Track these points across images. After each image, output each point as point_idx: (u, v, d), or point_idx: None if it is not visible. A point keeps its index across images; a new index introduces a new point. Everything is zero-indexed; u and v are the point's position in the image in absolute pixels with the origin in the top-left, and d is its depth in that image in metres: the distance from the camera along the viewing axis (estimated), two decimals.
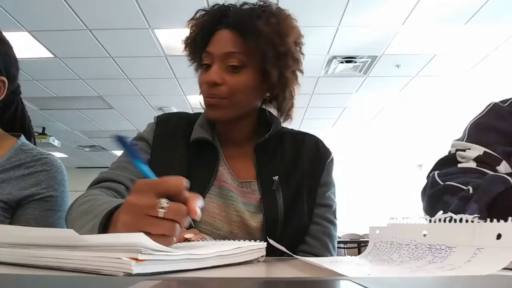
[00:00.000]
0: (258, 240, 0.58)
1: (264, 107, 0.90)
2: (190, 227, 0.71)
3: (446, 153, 0.85)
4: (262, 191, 0.81)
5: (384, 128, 6.57)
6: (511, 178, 0.62)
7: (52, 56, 3.89)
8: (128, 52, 3.86)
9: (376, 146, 7.82)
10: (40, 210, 0.90)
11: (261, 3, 0.82)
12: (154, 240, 0.37)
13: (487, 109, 0.87)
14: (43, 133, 6.00)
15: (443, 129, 6.31)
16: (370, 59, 4.06)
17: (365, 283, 0.29)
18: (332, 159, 0.90)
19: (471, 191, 0.66)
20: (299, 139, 0.90)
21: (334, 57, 4.03)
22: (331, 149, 0.91)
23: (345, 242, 5.39)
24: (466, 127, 0.86)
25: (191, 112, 0.96)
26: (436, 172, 0.79)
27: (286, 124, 0.92)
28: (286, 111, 0.88)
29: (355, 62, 4.11)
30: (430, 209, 0.76)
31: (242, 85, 0.78)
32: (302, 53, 0.85)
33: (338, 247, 0.90)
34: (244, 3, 0.83)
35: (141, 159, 0.52)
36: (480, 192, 0.63)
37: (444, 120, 6.03)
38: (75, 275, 0.36)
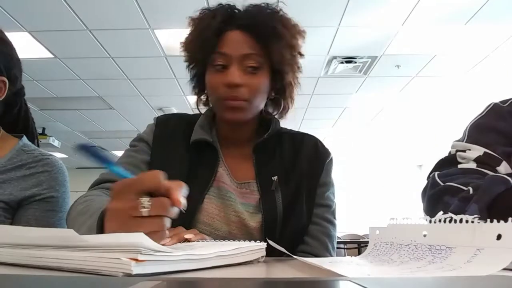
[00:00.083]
0: (257, 241, 0.58)
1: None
2: (190, 228, 0.71)
3: (446, 154, 0.85)
4: (261, 191, 0.81)
5: (384, 128, 6.57)
6: (511, 178, 0.62)
7: (52, 56, 3.89)
8: (128, 52, 3.86)
9: (376, 146, 7.82)
10: (41, 211, 0.90)
11: (266, 4, 0.82)
12: None
13: (487, 109, 0.87)
14: (43, 134, 6.00)
15: (443, 129, 6.31)
16: (370, 59, 4.06)
17: (365, 283, 0.29)
18: (331, 159, 0.90)
19: (471, 191, 0.66)
20: (298, 140, 0.90)
21: (334, 57, 4.03)
22: (331, 149, 0.92)
23: (345, 243, 5.38)
24: (466, 127, 0.86)
25: (191, 112, 0.96)
26: (436, 173, 0.79)
27: (285, 124, 0.92)
28: (285, 111, 0.90)
29: (355, 62, 4.11)
30: (430, 210, 0.76)
31: (260, 87, 0.80)
32: (303, 55, 0.87)
33: (338, 248, 0.90)
34: (251, 5, 0.83)
35: (111, 162, 0.50)
36: (480, 193, 0.63)
37: (444, 120, 6.03)
38: (75, 276, 0.36)
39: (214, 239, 0.70)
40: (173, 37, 3.56)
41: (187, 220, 0.74)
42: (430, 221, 0.45)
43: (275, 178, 0.81)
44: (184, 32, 0.86)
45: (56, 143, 6.33)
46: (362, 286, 0.28)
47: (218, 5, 0.83)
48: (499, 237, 0.37)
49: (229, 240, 0.65)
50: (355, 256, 0.57)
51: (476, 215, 0.41)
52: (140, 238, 0.36)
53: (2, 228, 0.53)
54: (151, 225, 0.46)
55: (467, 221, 0.42)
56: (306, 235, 0.82)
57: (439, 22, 3.37)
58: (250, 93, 0.78)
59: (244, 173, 0.84)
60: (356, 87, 4.83)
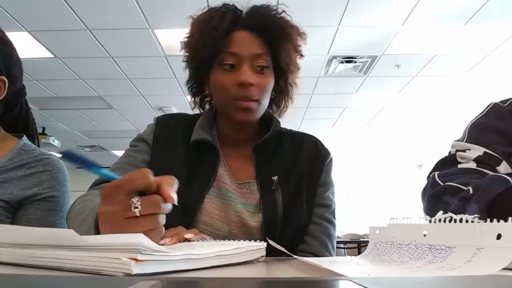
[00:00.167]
0: (257, 240, 0.58)
1: None
2: (190, 227, 0.71)
3: (446, 154, 0.85)
4: (261, 191, 0.81)
5: (384, 128, 6.57)
6: (511, 178, 0.62)
7: (52, 56, 3.89)
8: (128, 52, 3.86)
9: (376, 146, 7.82)
10: (42, 210, 0.90)
11: (270, 5, 0.83)
12: None
13: (487, 109, 0.87)
14: (43, 133, 6.00)
15: (443, 129, 6.31)
16: (370, 59, 4.06)
17: (365, 283, 0.29)
18: (331, 159, 0.90)
19: (471, 191, 0.66)
20: (297, 140, 0.91)
21: (334, 57, 4.03)
22: (330, 149, 0.92)
23: (345, 242, 5.39)
24: (466, 127, 0.86)
25: (191, 112, 0.96)
26: (436, 173, 0.79)
27: (285, 124, 0.93)
28: (284, 111, 0.92)
29: (355, 62, 4.11)
30: (430, 210, 0.76)
31: (269, 86, 0.81)
32: (303, 56, 0.88)
33: (338, 247, 0.90)
34: (255, 6, 0.83)
35: (97, 164, 0.49)
36: (480, 193, 0.63)
37: (444, 120, 6.03)
38: (75, 275, 0.37)
39: (214, 239, 0.70)
40: (173, 37, 3.56)
41: (188, 220, 0.75)
42: (430, 221, 0.45)
43: (275, 178, 0.82)
44: (184, 32, 0.85)
45: (56, 143, 6.32)
46: (362, 286, 0.28)
47: (223, 5, 0.83)
48: (499, 236, 0.37)
49: (229, 239, 0.65)
50: (355, 255, 0.57)
51: (476, 215, 0.41)
52: (139, 238, 0.36)
53: (3, 228, 0.53)
54: (145, 224, 0.46)
55: (467, 221, 0.42)
56: (306, 235, 0.82)
57: (439, 22, 3.37)
58: (260, 93, 0.79)
59: (244, 173, 0.84)
60: (356, 87, 4.83)
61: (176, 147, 0.84)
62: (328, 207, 0.86)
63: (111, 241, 0.38)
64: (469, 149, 0.80)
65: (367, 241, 0.61)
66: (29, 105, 1.07)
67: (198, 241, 0.62)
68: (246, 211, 0.79)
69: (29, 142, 0.99)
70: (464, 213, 0.44)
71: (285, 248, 0.56)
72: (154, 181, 0.47)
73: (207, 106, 0.92)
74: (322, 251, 0.81)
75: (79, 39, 3.57)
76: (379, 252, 0.51)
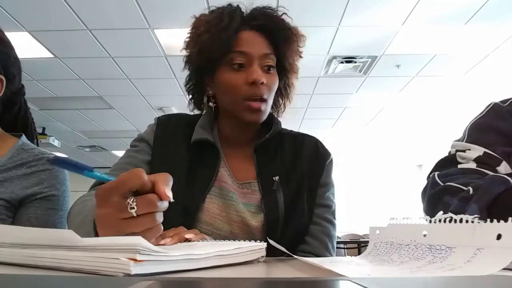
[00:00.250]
0: (258, 240, 0.58)
1: None
2: (191, 227, 0.71)
3: (446, 154, 0.85)
4: (262, 191, 0.81)
5: (384, 128, 6.57)
6: (511, 178, 0.62)
7: (52, 56, 3.89)
8: (128, 52, 3.86)
9: (376, 146, 7.82)
10: (42, 209, 0.90)
11: (272, 7, 0.85)
12: (143, 237, 0.37)
13: (487, 109, 0.87)
14: (43, 133, 6.00)
15: (443, 129, 6.31)
16: (370, 59, 4.06)
17: (365, 283, 0.29)
18: (332, 160, 0.90)
19: (471, 191, 0.66)
20: (298, 140, 0.91)
21: (334, 57, 4.03)
22: (330, 149, 0.92)
23: (345, 242, 5.39)
24: (466, 127, 0.86)
25: (191, 112, 0.96)
26: (436, 173, 0.79)
27: (285, 124, 0.93)
28: (282, 111, 0.93)
29: (355, 62, 4.10)
30: (430, 210, 0.76)
31: (275, 85, 0.83)
32: (302, 57, 0.90)
33: (338, 247, 0.90)
34: (258, 7, 0.85)
35: (88, 168, 0.49)
36: (480, 193, 0.63)
37: (444, 120, 6.03)
38: (75, 275, 0.37)
39: (216, 239, 0.70)
40: (173, 37, 3.56)
41: (189, 220, 0.75)
42: (430, 221, 0.45)
43: (277, 178, 0.82)
44: (184, 32, 0.85)
45: (56, 143, 6.33)
46: (362, 286, 0.28)
47: (228, 5, 0.84)
48: (499, 237, 0.37)
49: (230, 240, 0.65)
50: (355, 256, 0.57)
51: (476, 215, 0.41)
52: (138, 239, 0.36)
53: (2, 228, 0.53)
54: (143, 223, 0.46)
55: (467, 221, 0.42)
56: (307, 235, 0.82)
57: (439, 22, 3.37)
58: (269, 92, 0.80)
59: (245, 173, 0.84)
60: (356, 87, 4.83)
61: (177, 147, 0.84)
62: (329, 207, 0.86)
63: (110, 241, 0.38)
64: (469, 149, 0.80)
65: (367, 241, 0.61)
66: (29, 105, 1.07)
67: (199, 241, 0.62)
68: (247, 211, 0.79)
69: (28, 141, 0.99)
70: (464, 213, 0.44)
71: (286, 248, 0.56)
72: (148, 180, 0.47)
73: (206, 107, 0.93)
74: (323, 251, 0.81)
75: (79, 39, 3.57)
76: (379, 252, 0.51)
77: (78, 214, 0.64)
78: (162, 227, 0.49)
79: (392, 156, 8.55)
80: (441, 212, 0.46)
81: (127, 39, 3.61)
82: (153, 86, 4.71)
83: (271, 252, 0.58)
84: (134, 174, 0.47)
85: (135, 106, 5.41)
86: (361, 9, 3.18)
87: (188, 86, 0.90)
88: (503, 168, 0.75)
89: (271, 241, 0.58)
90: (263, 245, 0.55)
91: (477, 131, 0.83)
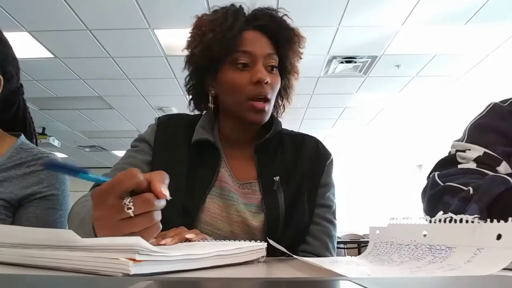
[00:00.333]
0: (258, 240, 0.58)
1: None
2: (192, 227, 0.71)
3: (446, 154, 0.85)
4: (263, 191, 0.81)
5: (384, 128, 6.57)
6: (511, 178, 0.62)
7: (52, 56, 3.89)
8: (128, 52, 3.85)
9: (376, 146, 7.82)
10: (42, 209, 0.90)
11: (274, 8, 0.85)
12: (142, 236, 0.37)
13: (487, 109, 0.86)
14: (43, 133, 6.00)
15: (443, 129, 6.31)
16: (370, 59, 4.05)
17: (365, 283, 0.29)
18: (332, 160, 0.90)
19: (471, 191, 0.66)
20: (299, 140, 0.91)
21: (334, 57, 4.03)
22: (331, 150, 0.92)
23: (345, 242, 5.38)
24: (466, 127, 0.86)
25: (191, 113, 0.96)
26: (436, 173, 0.79)
27: (285, 124, 0.93)
28: (282, 112, 0.94)
29: (355, 62, 4.10)
30: (431, 210, 0.76)
31: (278, 85, 0.84)
32: (302, 58, 0.91)
33: (338, 247, 0.90)
34: (260, 8, 0.85)
35: (82, 170, 0.49)
36: (480, 193, 0.63)
37: (444, 120, 6.03)
38: (74, 275, 0.36)
39: (216, 239, 0.70)
40: (173, 37, 3.56)
41: (189, 220, 0.75)
42: (430, 221, 0.45)
43: (277, 178, 0.82)
44: (184, 32, 0.85)
45: (56, 143, 6.33)
46: (362, 286, 0.28)
47: (231, 5, 0.84)
48: (499, 237, 0.37)
49: (231, 240, 0.65)
50: (355, 256, 0.57)
51: (476, 215, 0.41)
52: (137, 239, 0.36)
53: (2, 228, 0.53)
54: (141, 223, 0.46)
55: (467, 221, 0.42)
56: (307, 235, 0.82)
57: (439, 22, 3.37)
58: (272, 92, 0.81)
59: (245, 173, 0.84)
60: (356, 87, 4.83)
61: (178, 147, 0.84)
62: (329, 207, 0.86)
63: (109, 241, 0.38)
64: (469, 149, 0.80)
65: (367, 241, 0.61)
66: (28, 105, 1.06)
67: (199, 241, 0.62)
68: (248, 211, 0.79)
69: (27, 141, 0.99)
70: (464, 213, 0.44)
71: (286, 248, 0.56)
72: (144, 179, 0.47)
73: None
74: (323, 251, 0.81)
75: (79, 39, 3.57)
76: (379, 252, 0.51)
77: (78, 214, 0.64)
78: (160, 225, 0.49)
79: (392, 156, 8.55)
80: (441, 212, 0.46)
81: (127, 39, 3.61)
82: (153, 86, 4.71)
83: (271, 252, 0.58)
84: (129, 174, 0.47)
85: (135, 106, 5.41)
86: (361, 9, 3.18)
87: (188, 86, 0.89)
88: (503, 168, 0.75)
89: (271, 241, 0.58)
90: (263, 245, 0.55)
91: (477, 131, 0.83)
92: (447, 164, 0.82)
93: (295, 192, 0.82)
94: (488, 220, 0.39)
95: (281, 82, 0.86)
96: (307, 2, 3.06)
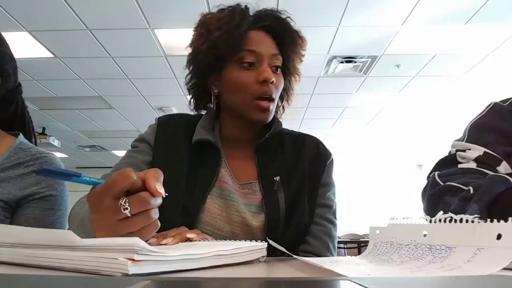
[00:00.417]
0: (259, 240, 0.58)
1: None
2: (192, 228, 0.71)
3: (446, 154, 0.85)
4: (263, 192, 0.81)
5: (384, 128, 6.57)
6: (511, 178, 0.62)
7: (52, 56, 3.89)
8: (128, 52, 3.85)
9: (376, 146, 7.82)
10: (40, 210, 0.90)
11: (279, 10, 0.86)
12: (141, 235, 0.37)
13: (487, 109, 0.86)
14: (43, 133, 6.00)
15: (443, 129, 6.31)
16: (370, 59, 4.06)
17: (365, 283, 0.29)
18: (332, 160, 0.90)
19: (471, 191, 0.65)
20: (299, 140, 0.91)
21: (334, 57, 4.03)
22: (331, 149, 0.92)
23: (345, 242, 5.39)
24: (466, 127, 0.86)
25: (191, 112, 0.96)
26: (436, 173, 0.79)
27: (285, 124, 0.93)
28: (281, 113, 0.94)
29: (355, 62, 4.11)
30: (431, 210, 0.76)
31: (281, 86, 0.84)
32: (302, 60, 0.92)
33: (338, 247, 0.90)
34: (264, 8, 0.86)
35: (76, 174, 0.48)
36: (481, 193, 0.63)
37: (444, 120, 6.03)
38: (73, 275, 0.36)
39: (216, 239, 0.70)
40: (173, 37, 3.55)
41: (190, 220, 0.74)
42: (430, 221, 0.45)
43: (277, 178, 0.82)
44: (184, 32, 0.85)
45: (56, 142, 6.32)
46: (362, 286, 0.28)
47: (237, 4, 0.84)
48: (499, 237, 0.37)
49: (231, 240, 0.65)
50: (355, 255, 0.57)
51: (476, 215, 0.41)
52: (136, 239, 0.36)
53: (3, 227, 0.53)
54: (138, 222, 0.46)
55: (467, 221, 0.41)
56: (308, 235, 0.82)
57: (439, 22, 3.37)
58: (277, 91, 0.81)
59: (246, 173, 0.84)
60: (356, 86, 4.83)
61: (178, 148, 0.84)
62: (329, 207, 0.86)
63: (108, 241, 0.38)
64: (469, 149, 0.79)
65: (367, 241, 0.60)
66: (27, 104, 1.06)
67: (200, 241, 0.62)
68: (248, 212, 0.79)
69: (26, 141, 0.99)
70: (464, 213, 0.43)
71: (286, 248, 0.56)
72: (138, 178, 0.47)
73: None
74: (324, 251, 0.81)
75: (79, 39, 3.57)
76: (379, 252, 0.51)
77: (77, 215, 0.64)
78: (159, 223, 0.49)
79: (392, 156, 8.55)
80: (441, 212, 0.46)
81: (127, 39, 3.61)
82: (153, 86, 4.71)
83: (271, 252, 0.58)
84: (123, 175, 0.46)
85: (135, 106, 5.41)
86: (361, 9, 3.18)
87: (190, 84, 0.89)
88: (503, 168, 0.75)
89: (270, 242, 0.58)
90: (264, 245, 0.55)
91: (477, 131, 0.83)
92: (447, 164, 0.81)
93: (295, 192, 0.82)
94: (488, 220, 0.39)
95: (292, 81, 0.88)
96: (307, 2, 3.06)
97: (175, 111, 5.18)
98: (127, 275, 0.34)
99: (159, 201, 0.48)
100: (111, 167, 0.83)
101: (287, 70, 0.87)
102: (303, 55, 0.89)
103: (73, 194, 0.87)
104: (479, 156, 0.77)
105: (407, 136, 7.09)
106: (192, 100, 0.92)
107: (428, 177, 0.81)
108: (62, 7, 3.08)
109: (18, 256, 0.42)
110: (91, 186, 0.50)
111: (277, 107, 0.93)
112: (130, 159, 0.83)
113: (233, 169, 0.85)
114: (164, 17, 3.25)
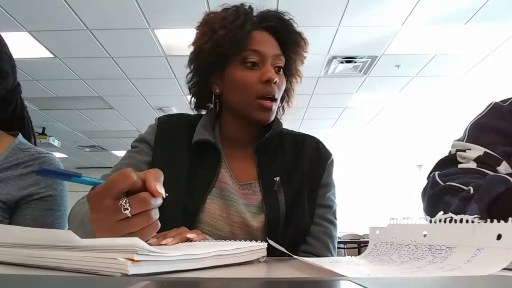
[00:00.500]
0: (259, 241, 0.58)
1: None
2: (192, 228, 0.71)
3: (446, 154, 0.85)
4: (263, 192, 0.81)
5: (384, 128, 6.57)
6: (511, 178, 0.62)
7: (52, 56, 3.89)
8: (128, 52, 3.85)
9: (376, 146, 7.82)
10: (39, 210, 0.90)
11: (282, 11, 0.87)
12: (141, 235, 0.37)
13: (487, 109, 0.86)
14: (43, 133, 6.00)
15: (443, 129, 6.31)
16: (370, 59, 4.06)
17: (365, 283, 0.29)
18: (332, 160, 0.90)
19: (471, 191, 0.65)
20: (299, 140, 0.91)
21: (334, 57, 4.03)
22: (331, 150, 0.92)
23: (345, 242, 5.39)
24: (467, 127, 0.86)
25: (191, 112, 0.96)
26: (436, 173, 0.79)
27: (285, 124, 0.93)
28: (282, 114, 0.94)
29: (355, 62, 4.11)
30: (431, 210, 0.76)
31: (284, 86, 0.84)
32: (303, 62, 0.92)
33: (338, 247, 0.90)
34: (267, 9, 0.86)
35: (76, 174, 0.48)
36: (481, 193, 0.63)
37: (444, 120, 6.03)
38: (73, 275, 0.36)
39: (216, 240, 0.70)
40: (173, 37, 3.55)
41: (190, 220, 0.74)
42: (430, 221, 0.45)
43: (278, 178, 0.82)
44: (184, 32, 0.85)
45: (56, 143, 6.32)
46: (362, 286, 0.28)
47: (241, 4, 0.84)
48: (499, 237, 0.37)
49: (231, 240, 0.65)
50: (355, 256, 0.56)
51: (476, 215, 0.41)
52: (135, 239, 0.36)
53: (2, 227, 0.53)
54: (138, 222, 0.46)
55: (467, 221, 0.41)
56: (308, 235, 0.82)
57: (439, 22, 3.37)
58: (279, 92, 0.82)
59: (246, 174, 0.84)
60: (356, 87, 4.83)
61: (178, 148, 0.84)
62: (329, 208, 0.86)
63: (108, 242, 0.38)
64: (469, 149, 0.79)
65: (367, 241, 0.60)
66: (27, 104, 1.06)
67: (200, 241, 0.62)
68: (248, 212, 0.79)
69: (25, 141, 0.98)
70: (464, 213, 0.43)
71: (287, 249, 0.56)
72: (138, 178, 0.47)
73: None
74: (324, 251, 0.81)
75: (79, 39, 3.57)
76: (379, 252, 0.51)
77: (77, 215, 0.64)
78: (159, 224, 0.49)
79: (392, 156, 8.55)
80: (442, 212, 0.46)
81: (127, 39, 3.61)
82: (153, 86, 4.71)
83: (271, 252, 0.58)
84: (123, 175, 0.46)
85: (135, 106, 5.41)
86: (361, 9, 3.18)
87: (191, 83, 0.89)
88: (503, 168, 0.75)
89: (271, 242, 0.58)
90: (264, 245, 0.55)
91: (478, 131, 0.83)
92: (447, 164, 0.81)
93: (295, 192, 0.82)
94: (488, 220, 0.39)
95: (293, 83, 0.89)
96: (307, 2, 3.06)
97: (175, 111, 5.18)
98: (126, 275, 0.34)
99: (159, 201, 0.48)
100: (111, 167, 0.83)
101: (289, 71, 0.88)
102: (305, 57, 0.89)
103: (73, 194, 0.86)
104: (479, 156, 0.77)
105: (407, 136, 7.09)
106: (193, 99, 0.92)
107: (428, 177, 0.81)
108: (62, 7, 3.08)
109: (17, 256, 0.42)
110: (91, 186, 0.50)
111: (278, 107, 0.93)
112: (129, 159, 0.83)
113: (233, 170, 0.85)
114: (164, 17, 3.25)
